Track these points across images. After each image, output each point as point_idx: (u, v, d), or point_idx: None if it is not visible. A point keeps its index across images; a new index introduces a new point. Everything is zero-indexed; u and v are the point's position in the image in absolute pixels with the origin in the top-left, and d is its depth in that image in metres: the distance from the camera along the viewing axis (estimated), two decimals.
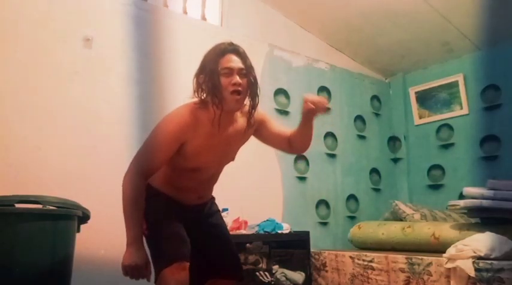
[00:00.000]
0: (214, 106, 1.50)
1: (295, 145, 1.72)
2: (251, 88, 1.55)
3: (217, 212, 1.80)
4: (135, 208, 1.47)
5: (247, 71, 1.54)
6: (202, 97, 1.53)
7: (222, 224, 1.80)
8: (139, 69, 2.76)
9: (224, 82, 1.49)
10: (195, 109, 1.53)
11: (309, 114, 1.59)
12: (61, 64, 2.49)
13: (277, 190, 3.35)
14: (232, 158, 1.70)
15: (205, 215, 1.73)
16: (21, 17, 2.39)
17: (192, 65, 1.59)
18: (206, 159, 1.58)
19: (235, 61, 1.52)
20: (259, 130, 1.70)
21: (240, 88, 1.50)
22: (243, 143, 1.70)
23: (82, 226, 1.96)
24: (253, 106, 1.58)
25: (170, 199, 1.62)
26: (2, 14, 2.34)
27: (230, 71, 1.50)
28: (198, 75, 1.55)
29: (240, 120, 1.61)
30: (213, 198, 1.80)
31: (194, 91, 1.54)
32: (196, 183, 1.64)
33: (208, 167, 1.62)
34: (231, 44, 1.57)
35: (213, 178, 1.70)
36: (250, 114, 1.59)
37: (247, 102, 1.56)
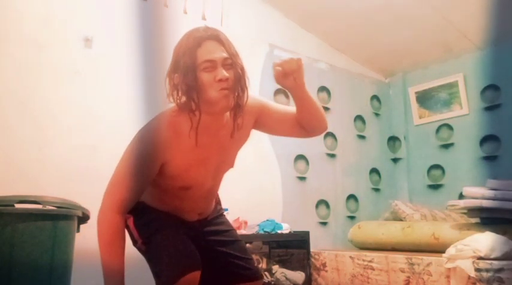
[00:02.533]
0: (191, 112, 1.23)
1: (307, 127, 1.43)
2: (239, 81, 1.25)
3: (222, 216, 1.60)
4: (115, 253, 1.23)
5: (233, 60, 1.24)
6: (180, 102, 1.25)
7: (230, 229, 1.58)
8: (140, 68, 2.76)
9: (206, 79, 1.21)
10: (173, 118, 1.27)
11: (284, 81, 1.29)
12: (61, 64, 2.48)
13: (277, 190, 3.34)
14: (231, 165, 1.46)
15: (210, 223, 1.52)
16: (21, 17, 2.39)
17: None
18: (197, 175, 1.33)
19: (216, 51, 1.22)
20: (260, 122, 1.43)
21: (227, 85, 1.22)
22: (242, 145, 1.45)
23: (82, 226, 1.96)
24: (240, 105, 1.28)
25: (167, 213, 1.40)
26: (2, 14, 2.34)
27: (212, 64, 1.21)
28: (171, 73, 1.26)
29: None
30: (216, 202, 1.60)
31: (168, 95, 1.26)
32: (192, 201, 1.40)
33: (202, 183, 1.37)
34: (207, 28, 1.26)
35: (212, 191, 1.47)
36: (236, 114, 1.29)
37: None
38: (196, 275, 1.27)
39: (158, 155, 1.25)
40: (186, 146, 1.27)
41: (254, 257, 2.86)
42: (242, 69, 1.27)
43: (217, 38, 1.25)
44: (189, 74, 1.21)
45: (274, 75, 1.29)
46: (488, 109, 3.56)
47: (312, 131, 1.46)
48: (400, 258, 2.63)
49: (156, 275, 1.33)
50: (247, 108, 1.34)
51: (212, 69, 1.22)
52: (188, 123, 1.25)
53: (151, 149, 1.25)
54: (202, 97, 1.22)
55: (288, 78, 1.28)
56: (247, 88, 1.28)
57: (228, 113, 1.32)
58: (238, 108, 1.28)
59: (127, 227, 1.36)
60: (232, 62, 1.24)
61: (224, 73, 1.21)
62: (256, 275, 1.51)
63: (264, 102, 1.43)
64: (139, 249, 1.39)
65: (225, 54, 1.23)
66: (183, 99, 1.24)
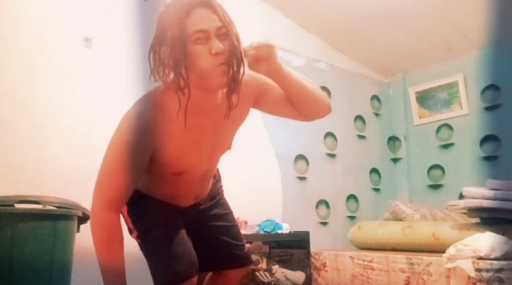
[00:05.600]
0: (180, 91, 1.10)
1: (301, 111, 1.30)
2: (234, 54, 1.11)
3: (221, 197, 1.52)
4: (113, 255, 1.13)
5: (228, 30, 1.10)
6: (167, 79, 1.12)
7: (227, 211, 1.51)
8: (140, 68, 2.76)
9: (200, 52, 1.07)
10: (160, 99, 1.15)
11: (257, 67, 1.16)
12: (61, 64, 2.48)
13: (277, 190, 3.34)
14: (229, 147, 1.35)
15: (207, 209, 1.45)
16: (21, 17, 2.39)
17: None
18: (191, 160, 1.23)
19: (209, 19, 1.08)
20: (259, 102, 1.32)
21: (224, 60, 1.09)
22: (240, 125, 1.34)
23: (82, 226, 1.96)
24: (236, 81, 1.13)
25: (161, 202, 1.33)
26: (2, 14, 2.34)
27: (205, 35, 1.07)
28: (155, 46, 1.11)
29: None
30: (216, 179, 1.50)
31: (152, 72, 1.13)
32: (187, 186, 1.32)
33: (196, 168, 1.27)
34: None
35: (208, 175, 1.37)
36: (230, 91, 1.14)
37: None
38: (192, 281, 1.25)
39: (147, 143, 1.13)
40: (177, 130, 1.15)
41: (254, 257, 2.87)
42: (238, 39, 1.13)
43: (209, 4, 1.09)
44: (177, 47, 1.06)
45: (247, 60, 1.15)
46: (488, 109, 3.56)
47: (309, 115, 1.33)
48: (400, 258, 2.63)
49: (153, 274, 1.30)
50: (247, 86, 1.23)
51: (205, 40, 1.07)
52: (177, 102, 1.12)
53: (139, 138, 1.11)
54: (194, 72, 1.09)
55: (261, 64, 1.16)
56: (243, 62, 1.14)
57: (222, 90, 1.19)
58: (233, 84, 1.13)
59: (121, 213, 1.32)
60: (227, 31, 1.10)
61: (220, 45, 1.07)
62: (247, 261, 1.51)
63: (266, 80, 1.30)
64: (135, 239, 1.34)
65: (218, 23, 1.09)
66: (171, 75, 1.11)
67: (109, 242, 1.14)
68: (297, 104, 1.29)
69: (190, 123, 1.16)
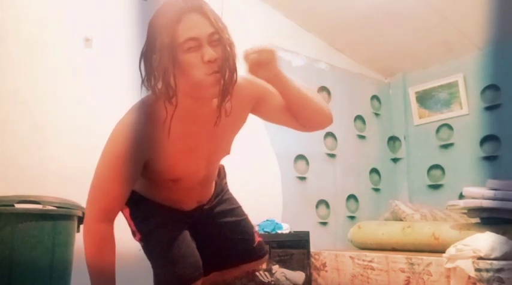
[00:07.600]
0: (167, 101, 1.07)
1: (300, 121, 1.27)
2: (227, 61, 1.06)
3: (226, 192, 1.49)
4: (102, 267, 1.11)
5: (220, 36, 1.06)
6: (157, 88, 1.09)
7: (234, 206, 1.49)
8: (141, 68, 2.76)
9: (192, 60, 1.03)
10: (151, 108, 1.12)
11: (258, 72, 1.10)
12: (61, 64, 2.48)
13: (277, 190, 3.34)
14: (227, 152, 1.32)
15: (212, 207, 1.41)
16: (21, 17, 2.39)
17: None
18: (186, 167, 1.20)
19: (201, 25, 1.04)
20: (258, 108, 1.28)
21: (218, 68, 1.04)
22: (238, 130, 1.30)
23: (82, 226, 1.96)
24: (227, 90, 1.08)
25: (164, 206, 1.30)
26: (2, 14, 2.34)
27: (197, 42, 1.03)
28: (146, 54, 1.10)
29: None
30: (221, 178, 1.47)
31: (143, 81, 1.11)
32: (186, 192, 1.29)
33: (193, 174, 1.24)
34: None
35: (207, 179, 1.33)
36: (222, 100, 1.10)
37: None
38: (196, 284, 1.24)
39: (139, 154, 1.11)
40: (169, 138, 1.13)
41: None
42: (231, 45, 1.08)
43: (200, 9, 1.05)
44: (165, 56, 1.02)
45: (247, 64, 1.10)
46: (488, 109, 3.56)
47: (308, 126, 1.29)
48: (400, 258, 2.63)
49: (156, 276, 1.29)
50: (244, 91, 1.20)
51: (197, 48, 1.04)
52: (169, 110, 1.10)
53: (130, 149, 1.09)
54: (186, 81, 1.06)
55: (262, 68, 1.11)
56: (236, 70, 1.09)
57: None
58: (225, 92, 1.08)
59: (124, 216, 1.32)
60: (220, 37, 1.05)
61: (212, 53, 1.03)
62: (257, 255, 1.47)
63: (265, 86, 1.25)
64: (139, 242, 1.34)
65: (210, 29, 1.05)
66: (160, 84, 1.08)
67: (99, 253, 1.13)
68: (296, 113, 1.24)
69: (184, 131, 1.14)
